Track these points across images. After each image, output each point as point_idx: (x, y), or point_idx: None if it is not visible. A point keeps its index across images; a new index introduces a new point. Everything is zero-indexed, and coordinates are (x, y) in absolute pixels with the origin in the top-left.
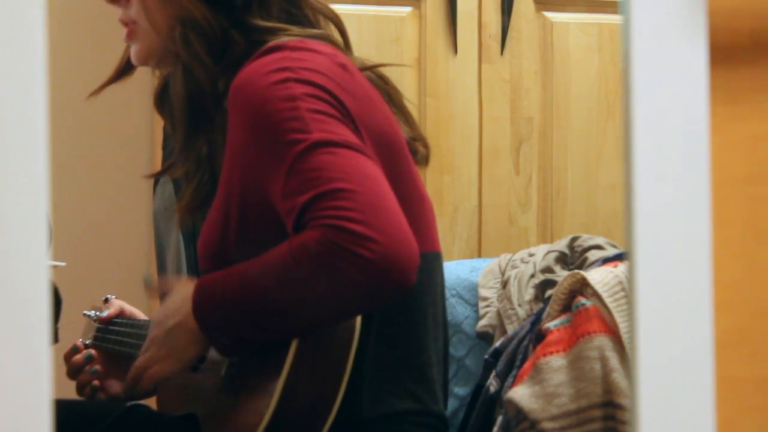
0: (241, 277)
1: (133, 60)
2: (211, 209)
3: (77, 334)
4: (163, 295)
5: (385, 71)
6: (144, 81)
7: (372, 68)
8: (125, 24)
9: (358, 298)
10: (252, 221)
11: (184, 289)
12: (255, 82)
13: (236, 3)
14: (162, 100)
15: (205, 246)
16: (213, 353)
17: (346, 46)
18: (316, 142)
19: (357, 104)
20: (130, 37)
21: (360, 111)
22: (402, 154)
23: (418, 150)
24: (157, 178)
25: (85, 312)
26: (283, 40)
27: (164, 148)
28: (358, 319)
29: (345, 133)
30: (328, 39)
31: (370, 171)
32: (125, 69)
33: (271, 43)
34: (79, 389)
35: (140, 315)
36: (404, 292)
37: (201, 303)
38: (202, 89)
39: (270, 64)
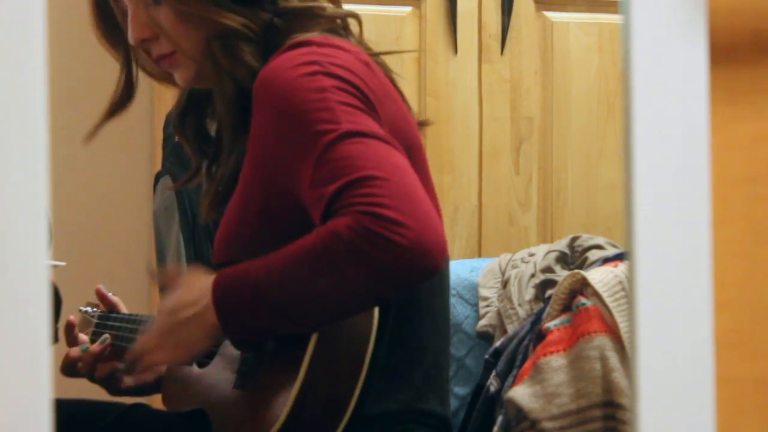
0: (267, 269)
1: (180, 83)
2: (230, 202)
3: None
4: (164, 286)
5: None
6: (143, 80)
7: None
8: (161, 59)
9: (386, 283)
10: (271, 215)
11: (198, 281)
12: (283, 73)
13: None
14: (183, 121)
15: (223, 238)
16: (226, 349)
17: (363, 44)
18: (345, 132)
19: (380, 102)
20: (172, 66)
21: (382, 109)
22: (419, 154)
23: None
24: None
25: (80, 308)
26: (308, 36)
27: (164, 147)
28: (376, 317)
29: (373, 125)
30: (351, 36)
31: (399, 161)
32: (123, 101)
33: (297, 39)
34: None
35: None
36: (431, 277)
37: (224, 297)
38: (246, 88)
39: (297, 58)
